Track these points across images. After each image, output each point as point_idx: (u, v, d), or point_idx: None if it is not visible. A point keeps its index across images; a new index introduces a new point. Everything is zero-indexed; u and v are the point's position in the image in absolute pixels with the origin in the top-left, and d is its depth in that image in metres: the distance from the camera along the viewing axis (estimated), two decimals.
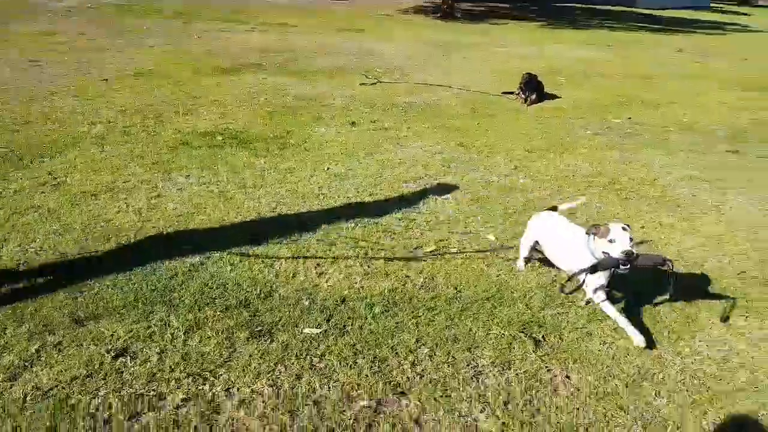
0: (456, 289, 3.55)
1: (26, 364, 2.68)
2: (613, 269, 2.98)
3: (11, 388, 2.54)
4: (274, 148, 6.05)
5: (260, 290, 3.42)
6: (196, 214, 4.40)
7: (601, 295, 3.18)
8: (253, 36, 14.12)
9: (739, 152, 6.57)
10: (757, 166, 6.14)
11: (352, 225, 4.36)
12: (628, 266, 2.90)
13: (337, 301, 3.37)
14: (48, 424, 2.36)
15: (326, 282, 3.58)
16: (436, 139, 6.72)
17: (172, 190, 4.79)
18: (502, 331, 3.10)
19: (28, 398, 2.48)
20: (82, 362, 2.71)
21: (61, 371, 2.64)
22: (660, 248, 4.12)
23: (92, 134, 5.94)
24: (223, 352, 2.84)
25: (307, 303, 3.32)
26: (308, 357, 2.85)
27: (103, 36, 12.38)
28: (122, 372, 2.68)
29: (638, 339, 2.98)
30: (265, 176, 5.25)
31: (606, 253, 2.97)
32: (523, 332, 3.11)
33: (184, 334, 2.96)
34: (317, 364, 2.80)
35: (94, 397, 2.51)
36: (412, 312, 3.28)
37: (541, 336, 3.09)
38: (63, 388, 2.55)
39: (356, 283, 3.59)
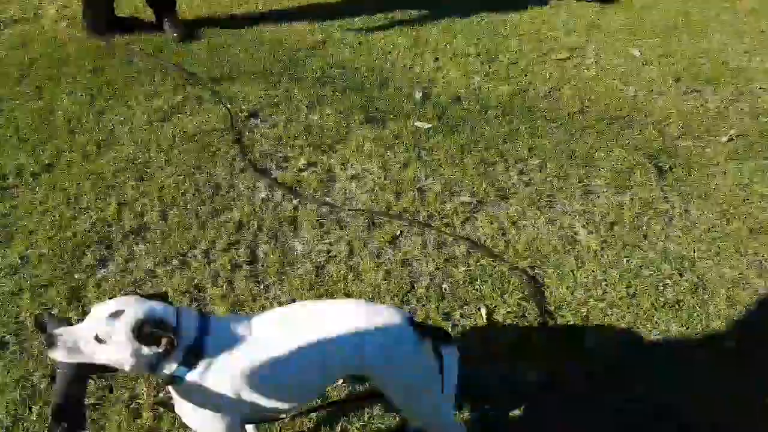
0: (582, 103, 3.31)
1: (173, 110, 2.98)
2: None
3: (162, 128, 2.87)
4: None
5: (377, 77, 3.39)
6: None
7: None
8: None
9: None
10: None
11: (476, 19, 4.03)
12: None
13: (451, 98, 3.28)
14: (193, 162, 2.68)
15: (442, 78, 3.46)
16: None
17: None
18: (626, 155, 2.92)
19: (176, 138, 2.80)
20: (219, 117, 2.95)
21: (202, 122, 2.92)
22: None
23: None
24: (340, 130, 2.95)
25: (420, 96, 3.27)
26: (417, 149, 2.89)
27: None
28: (254, 131, 2.90)
29: None
30: None
31: None
32: (648, 159, 2.91)
33: (306, 107, 3.08)
34: (424, 157, 2.84)
35: (231, 148, 2.77)
36: (530, 121, 3.14)
37: (667, 166, 2.88)
38: (204, 136, 2.83)
39: (474, 82, 3.43)
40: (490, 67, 3.58)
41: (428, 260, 2.30)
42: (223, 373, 1.29)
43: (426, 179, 2.72)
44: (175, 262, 2.22)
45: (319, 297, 2.10)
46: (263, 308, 2.02)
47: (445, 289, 2.18)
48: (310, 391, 1.49)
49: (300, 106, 3.09)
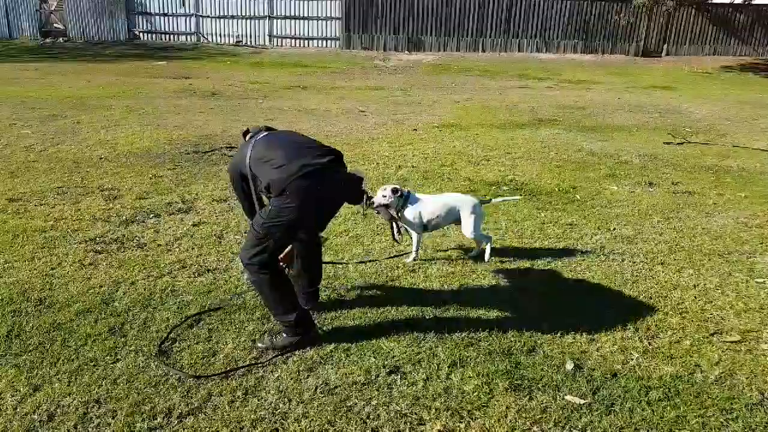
0: (762, 395, 2.90)
1: (322, 360, 3.18)
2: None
3: (307, 378, 3.02)
4: (557, 202, 5.96)
5: (524, 343, 3.37)
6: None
7: None
8: (552, 92, 14.30)
9: None
10: None
11: (634, 295, 3.97)
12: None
13: (606, 374, 3.09)
14: (329, 418, 2.73)
15: (596, 350, 3.33)
16: (754, 210, 5.67)
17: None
18: None
19: (317, 390, 2.93)
20: (362, 370, 3.08)
21: (346, 374, 3.05)
22: None
23: (397, 176, 6.79)
24: (482, 396, 2.88)
25: (571, 368, 3.13)
26: (568, 427, 2.67)
27: (419, 89, 14.16)
28: (392, 388, 2.95)
29: None
30: (545, 230, 5.20)
31: None
32: None
33: (448, 367, 3.11)
34: None
35: (367, 405, 2.82)
36: (700, 409, 2.79)
37: None
38: (345, 389, 2.94)
39: (632, 359, 3.24)
40: (650, 344, 3.38)
41: None
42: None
43: None
44: None
45: None
46: None
47: None
48: None
49: (441, 365, 3.13)
